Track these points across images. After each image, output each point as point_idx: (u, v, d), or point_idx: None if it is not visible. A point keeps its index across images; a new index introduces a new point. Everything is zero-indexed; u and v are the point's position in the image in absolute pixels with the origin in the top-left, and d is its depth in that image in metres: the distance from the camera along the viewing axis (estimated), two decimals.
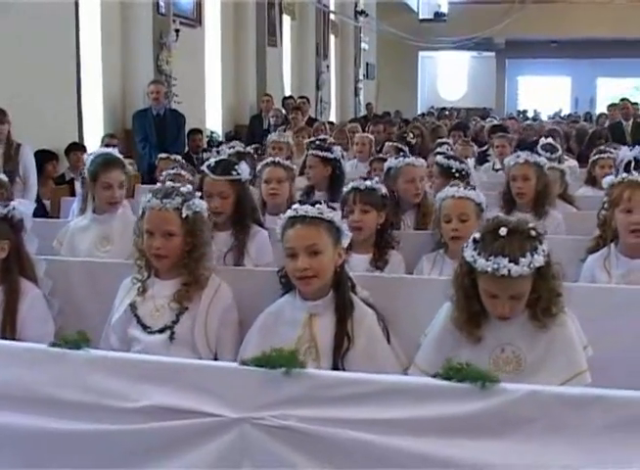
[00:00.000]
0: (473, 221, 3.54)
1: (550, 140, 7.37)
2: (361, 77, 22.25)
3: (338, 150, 5.97)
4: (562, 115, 26.54)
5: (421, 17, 29.32)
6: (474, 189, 3.75)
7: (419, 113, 24.87)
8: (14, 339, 2.90)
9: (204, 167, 3.98)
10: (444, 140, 8.15)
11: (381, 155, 6.92)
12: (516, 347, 2.51)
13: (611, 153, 6.38)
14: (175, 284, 3.00)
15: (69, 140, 8.60)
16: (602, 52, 26.67)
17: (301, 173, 6.26)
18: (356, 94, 21.75)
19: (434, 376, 1.89)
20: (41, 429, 2.02)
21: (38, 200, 7.07)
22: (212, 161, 4.01)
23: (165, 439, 1.96)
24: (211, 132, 12.76)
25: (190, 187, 3.14)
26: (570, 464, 1.77)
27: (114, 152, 4.16)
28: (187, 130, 10.25)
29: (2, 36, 7.66)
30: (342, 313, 2.73)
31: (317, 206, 2.81)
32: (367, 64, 23.41)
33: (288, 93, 14.85)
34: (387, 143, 7.92)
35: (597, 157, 6.52)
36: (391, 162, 4.79)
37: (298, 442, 1.88)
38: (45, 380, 2.06)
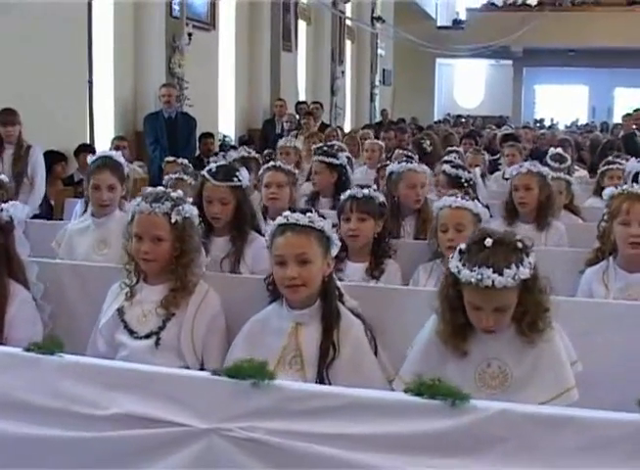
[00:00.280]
0: (469, 232, 3.47)
1: (560, 150, 7.32)
2: (377, 83, 22.19)
3: (343, 156, 5.95)
4: (578, 124, 26.47)
5: (439, 24, 29.31)
6: (473, 199, 3.71)
7: (435, 120, 24.82)
8: (0, 342, 2.88)
9: (204, 172, 3.97)
10: (454, 148, 8.09)
11: (388, 162, 6.89)
12: (502, 362, 2.47)
13: (620, 164, 6.31)
14: (163, 290, 2.98)
15: (80, 142, 8.65)
16: (620, 61, 26.48)
17: (309, 179, 6.25)
18: (372, 100, 21.70)
19: (406, 391, 1.86)
20: (13, 434, 2.01)
21: (46, 201, 7.11)
22: (213, 166, 3.99)
23: (134, 447, 1.94)
24: (224, 136, 12.78)
25: (181, 192, 3.12)
26: None
27: (114, 154, 4.13)
28: (199, 134, 10.28)
29: (14, 37, 7.71)
30: (328, 323, 2.71)
31: (308, 214, 2.78)
32: (383, 70, 23.34)
33: (302, 98, 14.84)
34: (397, 150, 7.88)
35: (606, 168, 6.46)
36: (393, 166, 4.77)
37: (265, 454, 1.85)
38: (18, 384, 2.05)
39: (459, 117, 25.49)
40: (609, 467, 1.70)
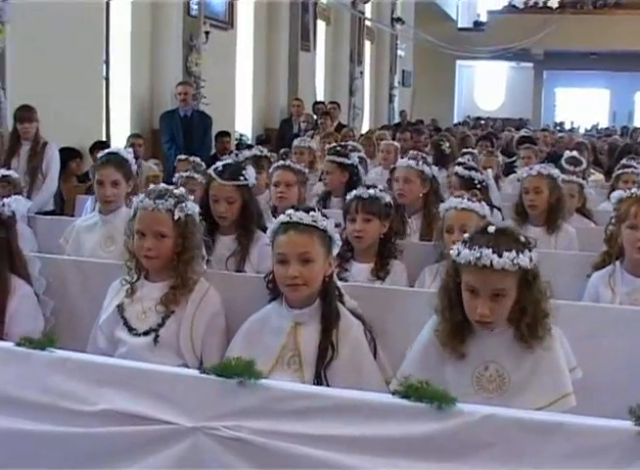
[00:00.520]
0: None
1: (575, 153, 7.27)
2: (396, 85, 22.13)
3: (355, 156, 5.93)
4: (599, 128, 26.30)
5: (460, 25, 29.23)
6: (480, 201, 3.69)
7: (455, 122, 24.74)
8: (1, 336, 2.89)
9: (210, 171, 3.96)
10: (469, 150, 8.05)
11: None
12: (500, 365, 2.44)
13: (635, 168, 6.25)
14: (163, 287, 2.97)
15: (97, 139, 8.68)
16: None
17: (322, 179, 6.24)
18: (390, 101, 21.65)
19: (393, 394, 1.83)
20: (3, 429, 2.01)
21: (60, 197, 7.15)
22: (220, 164, 3.98)
23: (122, 444, 1.93)
24: (240, 135, 12.78)
25: (183, 190, 3.11)
26: None
27: (121, 151, 4.13)
28: (215, 133, 10.28)
29: (32, 35, 7.75)
30: (327, 323, 2.69)
31: (311, 213, 2.77)
32: (403, 71, 23.27)
33: (320, 98, 14.83)
34: (410, 151, 7.85)
35: (621, 171, 6.41)
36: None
37: (251, 454, 1.83)
38: (9, 379, 2.04)
39: (478, 119, 25.42)
40: None
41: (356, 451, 1.77)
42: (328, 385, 2.58)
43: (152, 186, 3.09)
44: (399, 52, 22.45)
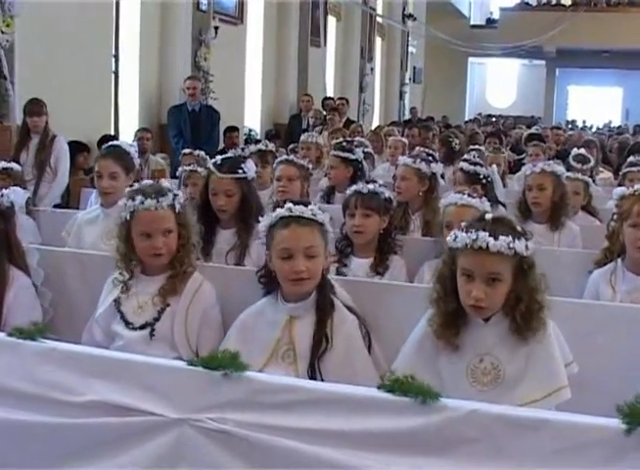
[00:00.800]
0: None
1: (583, 151, 7.23)
2: (407, 81, 22.09)
3: (360, 151, 5.93)
4: (611, 126, 26.18)
5: (472, 22, 29.16)
6: (481, 197, 3.67)
7: (466, 119, 24.68)
8: None
9: (209, 165, 3.96)
10: (476, 146, 8.02)
11: None
12: (494, 357, 2.43)
13: None
14: (161, 279, 2.98)
15: (105, 133, 8.69)
16: None
17: (327, 174, 6.23)
18: (401, 98, 21.61)
19: (379, 388, 1.83)
20: None
21: (68, 191, 7.18)
22: (219, 158, 3.99)
23: (108, 435, 1.93)
24: (249, 130, 12.78)
25: (170, 180, 3.12)
26: None
27: (123, 144, 4.15)
28: (224, 127, 10.28)
29: (41, 29, 7.78)
30: (322, 314, 2.69)
31: (310, 207, 2.76)
32: (414, 67, 23.24)
33: (330, 94, 14.82)
34: (417, 148, 7.84)
35: (627, 170, 6.37)
36: None
37: (235, 446, 1.83)
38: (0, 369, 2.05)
39: (490, 116, 25.35)
40: None
41: (340, 445, 1.76)
42: (322, 378, 2.58)
43: (135, 186, 3.05)
44: (410, 48, 22.41)
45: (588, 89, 31.09)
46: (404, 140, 8.95)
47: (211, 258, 3.76)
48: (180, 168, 5.12)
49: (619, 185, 6.32)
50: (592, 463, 1.67)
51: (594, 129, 24.66)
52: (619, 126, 25.12)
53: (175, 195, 3.01)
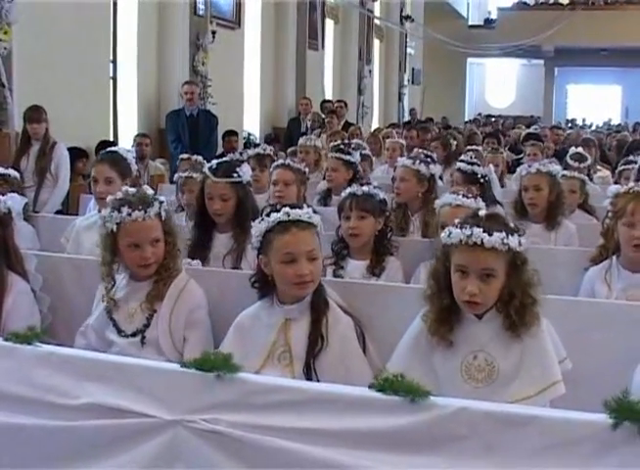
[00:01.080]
0: None
1: (580, 149, 7.25)
2: (406, 83, 22.12)
3: (357, 154, 5.97)
4: (611, 124, 26.20)
5: (470, 23, 29.19)
6: (475, 197, 3.70)
7: (466, 119, 24.71)
8: None
9: (205, 169, 3.99)
10: (474, 147, 8.05)
11: None
12: (488, 354, 2.45)
13: (636, 163, 6.24)
14: (148, 285, 3.00)
15: (104, 139, 8.71)
16: None
17: (325, 177, 6.25)
18: (400, 99, 21.63)
19: (370, 387, 1.85)
20: None
21: (67, 196, 7.20)
22: (214, 162, 4.01)
23: (103, 437, 1.96)
24: (248, 134, 12.80)
25: (147, 188, 3.13)
26: None
27: (120, 150, 4.17)
28: (223, 132, 10.31)
29: (39, 36, 7.81)
30: (317, 314, 2.70)
31: (305, 210, 2.78)
32: (413, 69, 23.27)
33: (328, 97, 14.85)
34: (415, 149, 7.86)
35: (623, 168, 6.41)
36: None
37: (229, 447, 1.86)
38: None
39: (489, 116, 25.37)
40: (571, 467, 1.67)
41: (332, 444, 1.78)
42: (317, 378, 2.60)
43: (118, 195, 3.05)
44: (409, 50, 22.44)
45: (587, 88, 31.11)
46: (402, 142, 8.98)
47: (209, 262, 3.79)
48: (176, 175, 5.14)
49: (616, 183, 6.36)
50: (581, 458, 1.69)
51: (594, 128, 24.68)
52: (619, 124, 25.13)
53: (161, 202, 3.03)
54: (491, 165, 5.92)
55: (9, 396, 2.05)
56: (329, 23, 16.61)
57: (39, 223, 4.83)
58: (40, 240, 4.64)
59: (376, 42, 19.92)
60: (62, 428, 1.97)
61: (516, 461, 1.70)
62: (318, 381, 2.55)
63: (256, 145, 10.97)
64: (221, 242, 3.87)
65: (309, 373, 2.64)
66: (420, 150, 7.61)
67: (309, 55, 14.74)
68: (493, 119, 23.56)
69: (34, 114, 6.64)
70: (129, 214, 2.93)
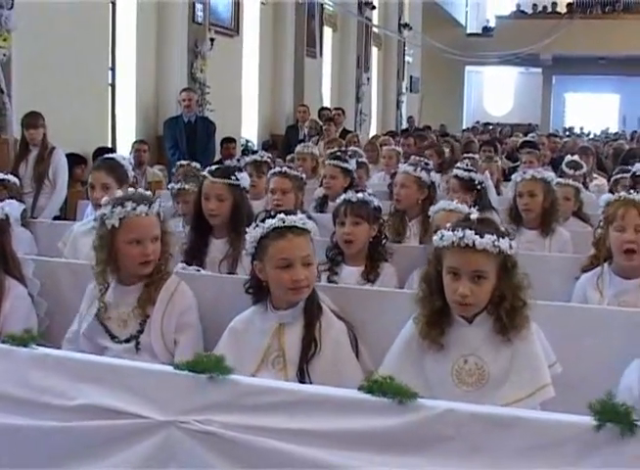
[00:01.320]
0: None
1: (576, 157, 7.29)
2: (404, 90, 22.18)
3: (353, 161, 6.01)
4: (608, 132, 26.28)
5: (468, 31, 29.28)
6: (471, 205, 3.73)
7: (464, 127, 24.77)
8: None
9: (204, 172, 4.03)
10: (470, 155, 8.09)
11: None
12: (479, 358, 2.49)
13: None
14: (138, 289, 3.02)
15: (103, 145, 8.75)
16: None
17: (322, 184, 6.29)
18: (398, 107, 21.69)
19: (359, 389, 1.88)
20: None
21: (66, 203, 7.24)
22: (214, 166, 4.05)
23: (98, 437, 1.99)
24: (246, 141, 12.84)
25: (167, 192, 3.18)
26: None
27: (117, 156, 4.21)
28: (220, 139, 10.35)
29: (38, 43, 7.85)
30: (310, 318, 2.74)
31: (299, 216, 2.81)
32: (411, 77, 23.33)
33: (326, 104, 14.89)
34: (412, 157, 7.89)
35: (620, 176, 6.43)
36: None
37: (221, 447, 1.89)
38: None
39: (487, 124, 25.43)
40: (555, 468, 1.71)
41: (323, 445, 1.82)
42: (311, 382, 2.62)
43: (118, 194, 3.10)
44: (407, 58, 22.50)
45: (585, 96, 31.20)
46: (398, 149, 9.01)
47: (205, 267, 3.81)
48: (170, 185, 5.17)
49: (611, 191, 6.38)
50: (565, 458, 1.72)
51: (591, 136, 24.76)
52: (616, 133, 25.20)
53: (160, 202, 3.08)
54: (486, 172, 5.96)
55: (5, 397, 2.09)
56: (327, 31, 16.68)
57: (37, 229, 4.85)
58: (38, 246, 4.66)
59: (374, 50, 19.98)
60: (57, 429, 2.01)
61: (501, 462, 1.73)
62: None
63: (254, 152, 11.02)
64: (217, 247, 3.89)
65: (303, 377, 2.66)
66: (417, 158, 7.69)
67: (307, 62, 14.79)
68: (491, 127, 23.62)
69: (31, 119, 6.68)
70: (134, 209, 2.97)
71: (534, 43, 23.30)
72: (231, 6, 11.85)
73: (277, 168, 4.90)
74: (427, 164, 7.05)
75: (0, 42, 7.21)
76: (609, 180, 8.76)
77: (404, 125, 20.54)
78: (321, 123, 12.21)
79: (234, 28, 12.04)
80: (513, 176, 4.95)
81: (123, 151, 8.58)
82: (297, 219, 2.77)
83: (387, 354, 2.62)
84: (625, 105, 30.09)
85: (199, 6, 10.68)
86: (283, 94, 13.98)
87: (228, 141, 10.79)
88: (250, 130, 13.19)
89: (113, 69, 9.33)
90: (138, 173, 7.58)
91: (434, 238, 2.55)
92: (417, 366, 2.51)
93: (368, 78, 18.61)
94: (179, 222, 4.80)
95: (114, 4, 9.27)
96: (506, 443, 1.74)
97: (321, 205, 5.78)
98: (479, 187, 5.01)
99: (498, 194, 6.74)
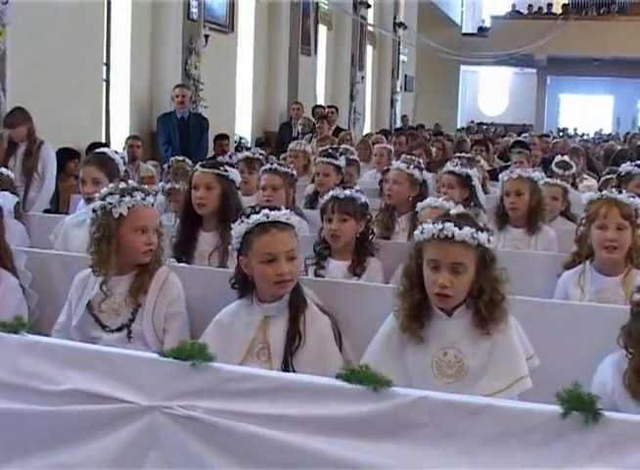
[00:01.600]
0: None
1: (566, 158, 7.34)
2: (399, 89, 22.22)
3: (343, 159, 6.07)
4: (602, 133, 26.38)
5: (464, 31, 29.34)
6: (457, 203, 3.79)
7: (458, 127, 24.83)
8: None
9: (197, 166, 4.10)
10: (462, 154, 8.14)
11: None
12: (458, 350, 2.55)
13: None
14: (129, 279, 3.09)
15: (96, 140, 8.79)
16: None
17: (314, 180, 6.34)
18: (392, 106, 21.73)
19: (337, 377, 1.95)
20: None
21: (57, 196, 7.28)
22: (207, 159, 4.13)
23: (84, 421, 2.06)
24: (240, 138, 12.88)
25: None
26: None
27: (109, 151, 4.26)
28: (214, 135, 10.39)
29: (33, 37, 7.87)
30: (295, 311, 2.80)
31: (283, 211, 2.87)
32: (406, 76, 23.39)
33: (320, 102, 14.94)
34: (403, 155, 7.95)
35: (608, 176, 6.49)
36: None
37: (204, 432, 1.95)
38: None
39: (481, 124, 25.51)
40: (523, 453, 1.78)
41: (301, 430, 1.89)
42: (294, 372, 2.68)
43: (119, 186, 3.17)
44: (402, 57, 22.54)
45: (579, 97, 31.31)
46: (390, 147, 9.06)
47: (194, 260, 3.87)
48: (161, 184, 5.23)
49: (600, 191, 6.44)
50: (533, 445, 1.79)
51: (584, 137, 24.84)
52: (609, 134, 25.30)
53: (155, 196, 3.16)
54: (474, 170, 6.01)
55: None
56: (322, 29, 16.72)
57: (30, 222, 4.89)
58: (30, 238, 4.71)
59: (369, 49, 20.02)
60: (45, 413, 2.07)
61: (473, 448, 1.80)
62: None
63: (248, 149, 11.06)
64: (206, 240, 3.94)
65: (287, 369, 2.71)
66: (408, 156, 7.74)
67: (302, 60, 14.83)
68: (485, 127, 23.69)
69: (12, 118, 6.69)
70: (143, 198, 3.08)
71: (529, 44, 23.38)
72: (226, 3, 11.88)
73: (268, 165, 4.95)
74: (419, 162, 7.13)
75: None
76: (599, 181, 8.85)
77: (398, 124, 20.60)
78: (314, 121, 12.27)
79: (229, 25, 12.07)
80: (500, 175, 5.01)
81: (117, 146, 8.63)
82: (281, 215, 2.83)
83: (368, 347, 2.68)
84: (619, 106, 30.21)
85: (194, 3, 10.71)
86: (277, 91, 14.02)
87: (222, 137, 10.83)
88: (243, 127, 13.23)
89: (107, 64, 9.35)
90: (131, 169, 7.63)
91: (415, 233, 2.62)
92: (397, 359, 2.57)
93: (362, 77, 18.66)
94: (171, 216, 4.85)
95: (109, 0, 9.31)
96: (478, 429, 1.81)
97: (312, 201, 5.83)
98: (473, 183, 5.09)
99: (485, 193, 6.81)
